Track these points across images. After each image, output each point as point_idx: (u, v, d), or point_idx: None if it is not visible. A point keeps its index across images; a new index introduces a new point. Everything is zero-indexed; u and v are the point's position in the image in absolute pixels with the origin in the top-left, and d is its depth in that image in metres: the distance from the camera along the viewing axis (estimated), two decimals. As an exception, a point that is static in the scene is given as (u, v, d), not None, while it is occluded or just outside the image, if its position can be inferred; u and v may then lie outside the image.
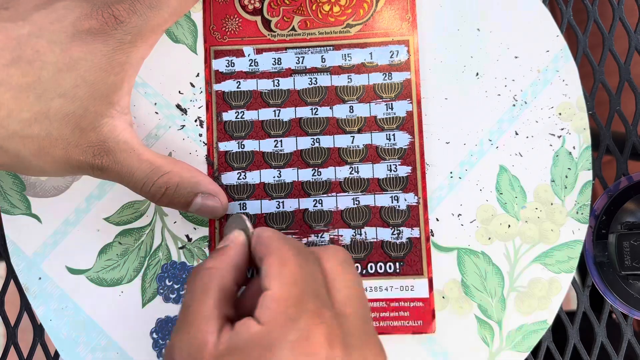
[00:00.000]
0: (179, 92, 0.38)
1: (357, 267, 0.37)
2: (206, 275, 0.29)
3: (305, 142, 0.38)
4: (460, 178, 0.38)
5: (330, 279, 0.29)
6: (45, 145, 0.32)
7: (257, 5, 0.38)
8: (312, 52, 0.38)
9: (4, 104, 0.31)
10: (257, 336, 0.26)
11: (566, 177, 0.38)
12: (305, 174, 0.38)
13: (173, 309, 0.37)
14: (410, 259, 0.37)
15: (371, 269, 0.37)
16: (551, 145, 0.38)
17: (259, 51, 0.38)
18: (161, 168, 0.34)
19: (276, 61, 0.38)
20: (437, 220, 0.38)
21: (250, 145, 0.38)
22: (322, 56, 0.38)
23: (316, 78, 0.38)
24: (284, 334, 0.26)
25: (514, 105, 0.38)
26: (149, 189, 0.34)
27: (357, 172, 0.38)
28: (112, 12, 0.33)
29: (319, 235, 0.37)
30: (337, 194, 0.38)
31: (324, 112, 0.38)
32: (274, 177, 0.38)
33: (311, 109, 0.38)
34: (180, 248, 0.38)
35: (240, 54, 0.38)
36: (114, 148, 0.33)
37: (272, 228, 0.32)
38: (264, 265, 0.29)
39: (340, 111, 0.38)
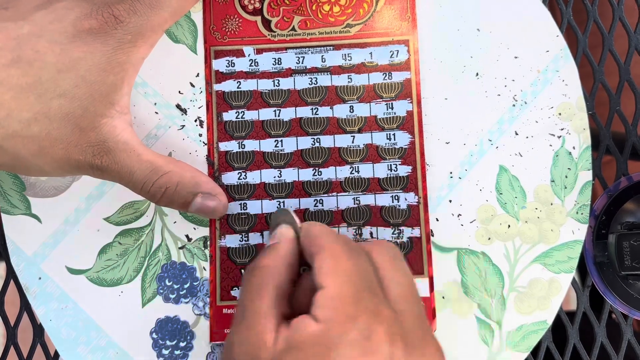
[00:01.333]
0: (179, 92, 0.38)
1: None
2: (261, 273, 0.29)
3: (305, 142, 0.38)
4: (460, 178, 0.38)
5: (383, 275, 0.29)
6: (45, 145, 0.32)
7: (257, 5, 0.38)
8: (312, 52, 0.38)
9: (4, 104, 0.31)
10: (316, 335, 0.26)
11: (566, 177, 0.38)
12: (306, 174, 0.38)
13: (173, 309, 0.37)
14: (411, 258, 0.37)
15: (371, 269, 0.37)
16: (551, 145, 0.38)
17: (259, 51, 0.38)
18: (161, 168, 0.34)
19: (276, 61, 0.38)
20: (437, 220, 0.38)
21: (251, 145, 0.38)
22: (322, 56, 0.38)
23: (316, 78, 0.38)
24: (343, 333, 0.26)
25: (513, 105, 0.38)
26: (148, 189, 0.34)
27: (358, 171, 0.38)
28: (112, 12, 0.33)
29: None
30: (338, 194, 0.38)
31: (324, 112, 0.38)
32: (274, 177, 0.38)
33: (311, 108, 0.38)
34: (180, 248, 0.38)
35: (240, 54, 0.38)
36: (114, 148, 0.33)
37: (320, 222, 0.31)
38: (316, 262, 0.29)
39: (340, 111, 0.38)
